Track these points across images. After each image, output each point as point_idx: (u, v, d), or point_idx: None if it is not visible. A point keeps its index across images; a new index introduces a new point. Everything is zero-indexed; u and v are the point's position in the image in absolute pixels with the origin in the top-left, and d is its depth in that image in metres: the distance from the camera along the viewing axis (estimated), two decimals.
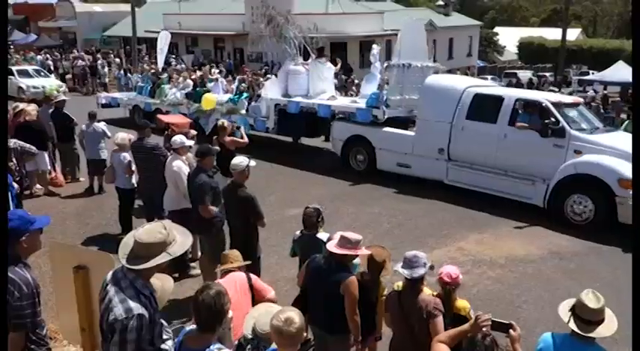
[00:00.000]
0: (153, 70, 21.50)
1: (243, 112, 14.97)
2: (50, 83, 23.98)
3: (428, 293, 4.12)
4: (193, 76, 18.57)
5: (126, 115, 18.83)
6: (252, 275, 4.61)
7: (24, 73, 24.73)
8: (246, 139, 9.27)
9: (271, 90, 14.42)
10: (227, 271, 4.58)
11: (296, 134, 15.32)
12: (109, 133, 10.50)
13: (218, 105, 15.44)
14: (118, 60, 32.28)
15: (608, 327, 3.16)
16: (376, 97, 12.31)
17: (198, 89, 17.26)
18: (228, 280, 4.40)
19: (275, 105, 14.21)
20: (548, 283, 7.42)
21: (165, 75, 19.47)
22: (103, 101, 19.44)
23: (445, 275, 4.16)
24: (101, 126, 10.55)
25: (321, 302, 4.32)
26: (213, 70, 21.84)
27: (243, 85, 16.70)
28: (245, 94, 15.68)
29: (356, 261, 4.72)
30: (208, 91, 16.50)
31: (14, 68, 24.88)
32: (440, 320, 3.90)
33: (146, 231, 2.98)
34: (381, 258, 4.55)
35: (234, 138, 9.04)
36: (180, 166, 6.91)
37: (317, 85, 14.00)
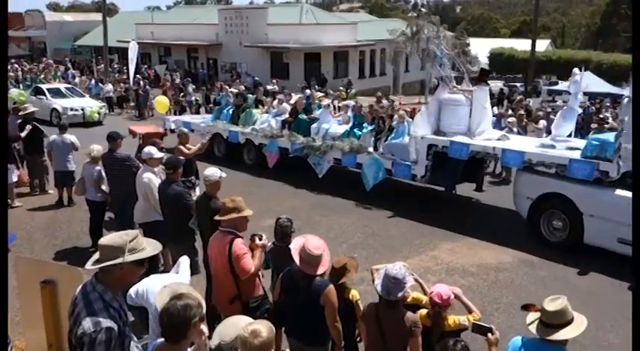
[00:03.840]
0: (235, 90, 18.28)
1: (371, 150, 11.70)
2: (90, 104, 20.91)
3: (418, 298, 4.16)
4: (292, 100, 14.93)
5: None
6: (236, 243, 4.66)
7: (56, 93, 21.14)
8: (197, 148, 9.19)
9: (421, 125, 10.88)
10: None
11: (452, 183, 11.35)
12: (78, 145, 10.36)
13: (330, 139, 12.40)
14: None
15: (572, 330, 3.18)
16: (606, 146, 8.49)
17: (300, 117, 13.55)
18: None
19: (429, 146, 10.58)
20: (519, 290, 7.52)
21: (250, 96, 15.94)
22: (172, 126, 15.41)
23: (435, 296, 4.14)
24: (70, 138, 10.41)
25: (299, 314, 4.30)
26: (318, 94, 17.90)
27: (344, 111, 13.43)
28: (366, 126, 12.44)
29: None
30: (314, 120, 13.36)
31: (44, 87, 21.73)
32: (418, 338, 3.91)
33: (110, 236, 3.04)
34: (340, 264, 4.56)
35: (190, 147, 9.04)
36: (151, 178, 6.84)
37: (478, 118, 10.57)
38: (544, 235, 9.18)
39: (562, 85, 32.12)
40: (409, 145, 10.89)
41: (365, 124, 12.46)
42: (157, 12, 53.37)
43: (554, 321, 3.19)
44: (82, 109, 20.06)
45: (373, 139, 12.05)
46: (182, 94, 23.33)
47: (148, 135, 10.55)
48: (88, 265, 2.95)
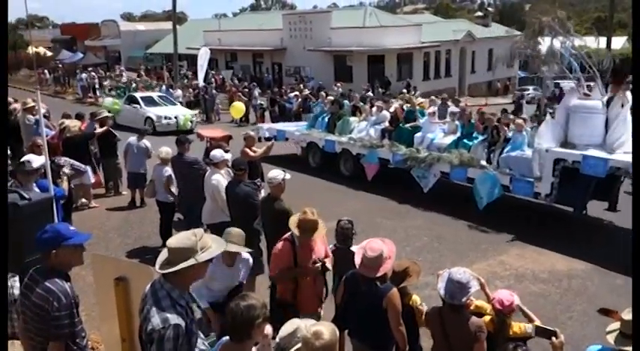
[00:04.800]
0: (330, 97, 16.99)
1: (484, 163, 10.50)
2: (183, 112, 20.87)
3: (482, 306, 4.06)
4: (392, 108, 13.52)
5: (295, 152, 14.93)
6: None
7: (149, 101, 21.17)
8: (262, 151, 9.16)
9: (546, 136, 9.58)
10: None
11: (583, 203, 9.89)
12: (152, 151, 10.75)
13: (435, 150, 11.37)
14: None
15: None
16: None
17: (402, 126, 12.54)
18: None
19: (555, 161, 9.25)
20: (593, 298, 7.18)
21: (347, 103, 15.22)
22: (267, 134, 14.97)
23: (497, 302, 4.02)
24: (147, 143, 10.87)
25: (362, 317, 4.29)
26: (420, 100, 15.62)
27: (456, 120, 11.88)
28: (477, 135, 11.31)
29: None
30: (417, 129, 12.34)
31: (138, 95, 21.94)
32: (483, 343, 3.81)
33: (177, 237, 3.07)
34: (401, 268, 4.50)
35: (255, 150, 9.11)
36: (219, 180, 7.00)
37: (619, 129, 9.14)
38: None
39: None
40: (532, 159, 9.57)
41: (475, 134, 11.39)
42: (223, 19, 54.71)
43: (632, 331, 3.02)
44: (176, 118, 20.12)
45: (486, 150, 10.85)
46: (247, 98, 23.76)
47: (215, 139, 10.82)
48: (161, 270, 2.98)
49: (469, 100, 26.28)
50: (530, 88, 39.39)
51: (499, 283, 7.39)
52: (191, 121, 20.44)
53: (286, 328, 3.32)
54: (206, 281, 4.62)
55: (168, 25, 35.25)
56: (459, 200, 11.05)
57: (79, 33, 54.41)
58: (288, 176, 5.91)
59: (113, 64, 43.64)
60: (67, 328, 3.40)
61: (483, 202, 10.13)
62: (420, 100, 15.56)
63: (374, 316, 4.17)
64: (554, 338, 3.52)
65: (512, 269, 8.10)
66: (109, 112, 19.99)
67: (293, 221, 4.76)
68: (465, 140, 11.27)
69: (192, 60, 34.81)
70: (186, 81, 29.07)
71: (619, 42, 48.43)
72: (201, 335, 3.21)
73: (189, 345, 2.96)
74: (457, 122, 11.94)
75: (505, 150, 10.31)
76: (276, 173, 5.86)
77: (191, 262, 2.95)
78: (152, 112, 20.27)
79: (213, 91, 24.92)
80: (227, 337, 2.97)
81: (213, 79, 30.64)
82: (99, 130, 11.01)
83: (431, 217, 10.50)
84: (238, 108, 19.06)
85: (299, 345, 3.17)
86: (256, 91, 24.28)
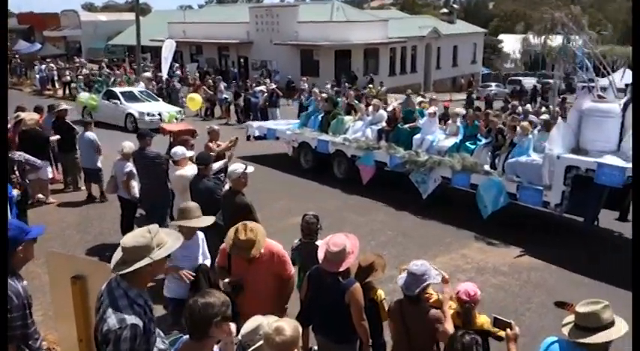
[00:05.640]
0: (324, 94, 15.96)
1: (488, 168, 9.99)
2: (167, 109, 19.41)
3: (441, 300, 4.12)
4: (390, 107, 12.92)
5: (286, 151, 14.02)
6: None
7: (130, 97, 19.84)
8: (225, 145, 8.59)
9: (556, 141, 8.92)
10: None
11: (595, 214, 9.26)
12: (97, 143, 10.44)
13: (435, 153, 10.84)
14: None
15: (606, 335, 3.05)
16: None
17: (400, 126, 11.83)
18: None
19: (567, 168, 8.64)
20: (551, 291, 7.34)
21: (340, 100, 14.39)
22: (256, 133, 14.46)
23: (463, 293, 4.11)
24: (91, 135, 10.48)
25: (325, 312, 4.28)
26: (419, 99, 15.01)
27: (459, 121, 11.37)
28: (481, 138, 10.76)
29: None
30: (416, 130, 11.64)
31: (117, 90, 20.56)
32: (443, 334, 3.85)
33: (131, 236, 2.99)
34: (366, 263, 4.51)
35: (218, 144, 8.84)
36: (184, 174, 6.87)
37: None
38: None
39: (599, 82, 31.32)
40: (542, 166, 8.94)
41: (479, 137, 10.81)
42: (188, 11, 53.89)
43: (587, 324, 3.07)
44: (159, 114, 18.63)
45: (490, 154, 10.30)
46: (212, 92, 23.46)
47: (179, 133, 10.62)
48: (116, 270, 2.91)
49: (434, 96, 26.53)
50: (493, 84, 40.16)
51: (461, 275, 7.50)
52: (176, 118, 18.71)
53: (248, 325, 3.29)
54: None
55: (131, 16, 34.45)
56: (426, 199, 11.07)
57: (37, 23, 52.79)
58: (250, 169, 5.84)
59: (73, 56, 42.51)
60: (19, 329, 3.29)
61: (488, 210, 9.57)
62: (388, 95, 15.52)
63: (337, 311, 4.17)
64: (508, 330, 3.58)
65: (473, 262, 8.24)
66: (85, 107, 19.70)
67: (229, 237, 4.37)
68: (468, 143, 10.69)
69: (155, 52, 34.19)
70: (149, 74, 28.49)
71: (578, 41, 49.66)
72: (161, 334, 3.15)
73: (148, 344, 2.89)
74: (459, 123, 11.42)
75: (510, 154, 9.71)
76: (236, 166, 5.79)
77: (146, 261, 2.88)
78: (133, 108, 18.94)
79: (177, 85, 24.53)
80: (188, 336, 2.92)
81: (178, 72, 30.16)
82: (53, 138, 10.59)
83: (395, 212, 10.58)
84: (195, 100, 18.77)
85: (261, 342, 3.14)
86: (222, 85, 24.00)
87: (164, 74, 24.91)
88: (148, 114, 18.61)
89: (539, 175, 9.06)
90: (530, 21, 75.72)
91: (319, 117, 13.61)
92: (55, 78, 29.09)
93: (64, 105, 11.74)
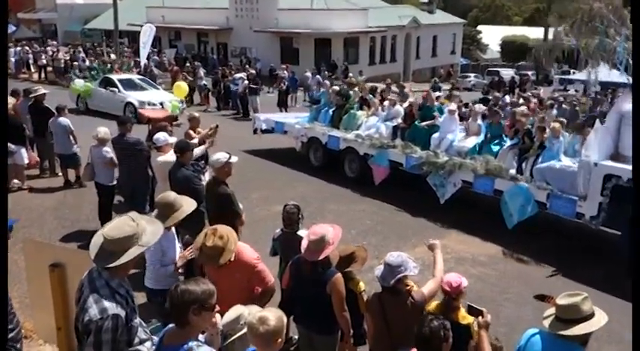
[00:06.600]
0: (335, 87, 14.69)
1: (513, 172, 9.21)
2: (169, 98, 17.90)
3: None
4: (406, 103, 12.10)
5: (294, 146, 13.37)
6: None
7: (129, 85, 18.59)
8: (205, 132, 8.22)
9: (593, 147, 8.14)
10: None
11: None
12: (70, 128, 10.26)
13: (454, 153, 10.17)
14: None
15: (585, 327, 3.10)
16: None
17: (417, 124, 11.13)
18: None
19: (605, 177, 7.86)
20: (529, 281, 7.46)
21: (354, 92, 13.41)
22: (263, 126, 13.77)
23: (446, 284, 4.01)
24: (64, 120, 10.26)
25: (306, 303, 4.28)
26: (436, 94, 14.00)
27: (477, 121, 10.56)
28: (506, 139, 10.05)
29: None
30: (434, 128, 10.95)
31: (115, 78, 19.25)
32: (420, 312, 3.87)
33: (114, 226, 2.91)
34: (346, 253, 4.51)
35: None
36: (167, 160, 6.79)
37: None
38: None
39: (574, 75, 31.73)
40: (577, 174, 8.15)
41: (503, 137, 10.11)
42: None
43: (567, 316, 3.12)
44: (161, 104, 17.39)
45: (516, 158, 9.55)
46: (192, 78, 23.21)
47: (157, 119, 10.50)
48: (106, 264, 2.84)
49: (413, 86, 26.63)
50: (472, 75, 40.44)
51: None
52: (179, 109, 17.44)
53: (229, 315, 3.28)
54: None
55: None
56: (407, 187, 11.05)
57: (11, 4, 51.02)
58: (234, 159, 5.79)
59: (48, 39, 41.61)
60: None
61: (514, 220, 8.83)
62: (366, 84, 15.31)
63: (318, 302, 4.18)
64: (480, 317, 3.60)
65: (453, 253, 8.31)
66: (79, 96, 19.17)
67: (197, 242, 4.17)
68: (492, 144, 9.96)
69: (133, 37, 33.65)
70: (127, 59, 28.00)
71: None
72: (143, 323, 3.11)
73: (129, 334, 2.86)
74: (480, 122, 10.72)
75: (539, 158, 9.00)
76: (219, 155, 5.73)
77: (138, 249, 2.85)
78: (133, 96, 17.72)
79: (153, 70, 24.18)
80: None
81: (156, 58, 29.72)
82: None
83: (376, 202, 10.58)
84: (182, 88, 18.59)
85: (243, 331, 3.13)
86: (201, 71, 23.74)
87: (142, 60, 24.54)
88: (149, 103, 17.46)
89: (572, 184, 8.25)
90: (509, 12, 76.34)
91: (330, 111, 12.86)
92: (31, 61, 28.46)
93: (42, 89, 11.49)
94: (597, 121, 8.81)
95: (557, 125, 9.34)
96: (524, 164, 9.33)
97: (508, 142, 9.95)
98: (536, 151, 9.18)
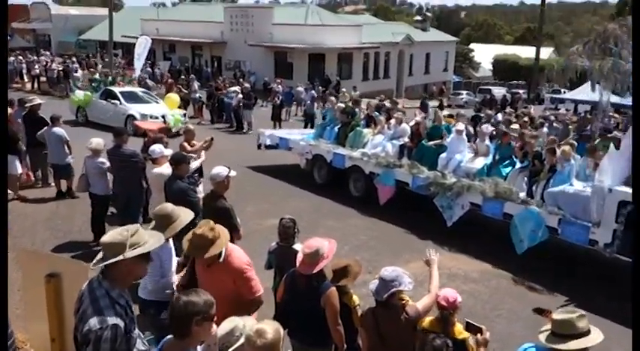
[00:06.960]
0: (340, 104, 14.26)
1: (523, 195, 8.97)
2: (172, 112, 17.88)
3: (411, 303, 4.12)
4: (413, 122, 11.92)
5: (299, 163, 13.03)
6: None
7: (130, 97, 18.50)
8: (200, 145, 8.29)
9: (606, 171, 7.83)
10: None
11: None
12: (66, 138, 10.25)
13: (462, 174, 9.93)
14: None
15: (581, 342, 3.14)
16: None
17: (425, 143, 10.96)
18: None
19: (620, 204, 7.56)
20: (521, 297, 7.49)
21: (358, 110, 13.25)
22: (268, 141, 13.61)
23: (442, 299, 4.03)
24: (59, 130, 10.23)
25: (301, 316, 4.29)
26: (444, 113, 14.00)
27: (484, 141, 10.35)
28: (515, 161, 9.86)
29: None
30: (442, 148, 10.80)
31: (117, 90, 19.20)
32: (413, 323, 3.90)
33: (110, 234, 2.99)
34: (338, 266, 4.52)
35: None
36: (162, 172, 6.81)
37: None
38: None
39: (565, 94, 32.14)
40: (590, 199, 7.87)
41: (513, 158, 9.87)
42: (162, 8, 53.33)
43: (562, 331, 3.16)
44: (164, 117, 17.25)
45: (527, 180, 9.32)
46: (187, 91, 23.27)
47: (152, 131, 10.52)
48: (95, 265, 2.94)
49: (406, 102, 26.85)
50: (464, 92, 40.83)
51: None
52: (181, 122, 17.36)
53: (224, 327, 3.28)
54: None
55: (104, 11, 34.03)
56: (400, 204, 11.01)
57: None
58: (233, 173, 5.81)
59: (42, 49, 41.59)
60: None
61: (524, 245, 8.53)
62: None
63: (312, 315, 4.18)
64: (479, 334, 3.65)
65: (445, 268, 8.30)
66: (79, 108, 19.06)
67: (188, 235, 4.14)
68: (501, 166, 9.75)
69: (127, 48, 33.72)
70: (121, 71, 28.07)
71: (546, 53, 50.90)
72: (141, 334, 3.12)
73: (128, 345, 2.86)
74: (488, 143, 10.55)
75: (550, 182, 8.72)
76: (220, 169, 5.74)
77: (119, 257, 2.87)
78: (135, 109, 17.60)
79: (147, 82, 24.23)
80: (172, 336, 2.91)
81: (149, 70, 29.80)
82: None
83: (369, 218, 10.60)
84: (173, 99, 18.64)
85: (239, 342, 3.14)
86: (196, 84, 23.82)
87: (137, 72, 24.59)
88: (151, 116, 17.24)
89: (585, 209, 7.98)
90: (500, 31, 77.27)
91: (336, 128, 12.68)
92: (24, 71, 28.42)
93: (37, 99, 11.49)
94: (612, 145, 8.68)
95: (567, 148, 9.08)
96: (534, 187, 9.10)
97: (518, 165, 9.79)
98: (547, 174, 8.96)
